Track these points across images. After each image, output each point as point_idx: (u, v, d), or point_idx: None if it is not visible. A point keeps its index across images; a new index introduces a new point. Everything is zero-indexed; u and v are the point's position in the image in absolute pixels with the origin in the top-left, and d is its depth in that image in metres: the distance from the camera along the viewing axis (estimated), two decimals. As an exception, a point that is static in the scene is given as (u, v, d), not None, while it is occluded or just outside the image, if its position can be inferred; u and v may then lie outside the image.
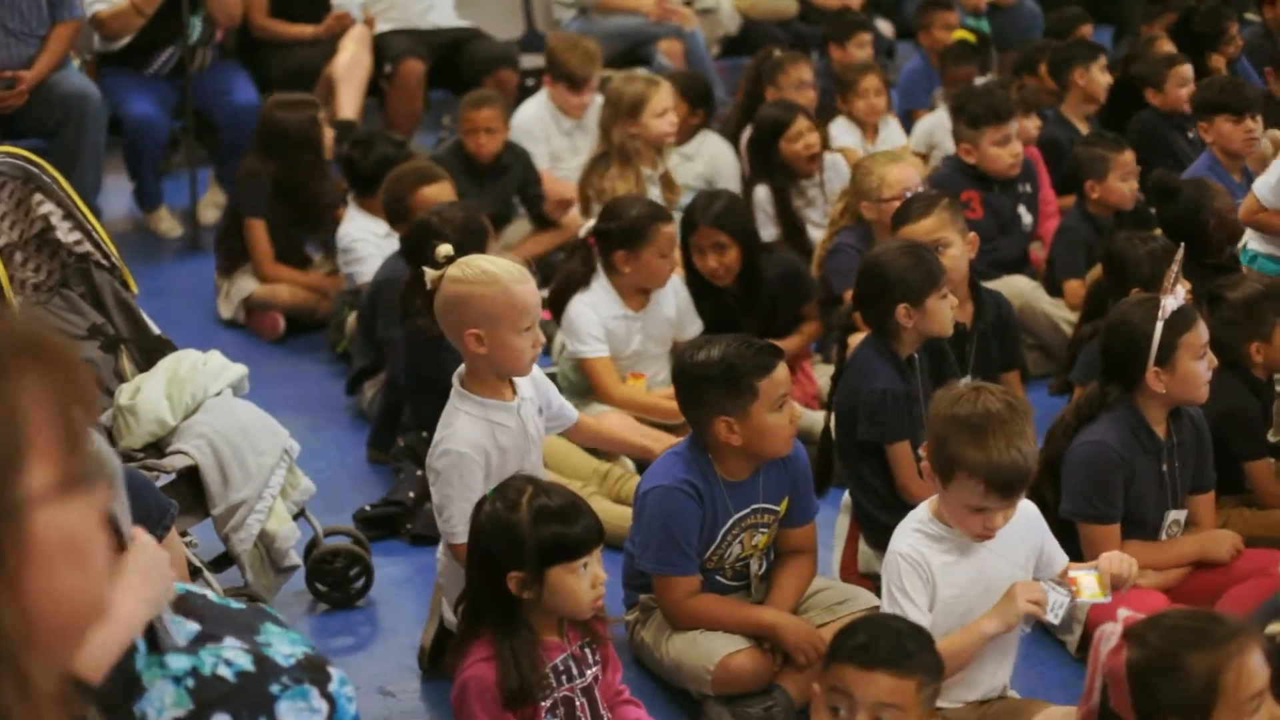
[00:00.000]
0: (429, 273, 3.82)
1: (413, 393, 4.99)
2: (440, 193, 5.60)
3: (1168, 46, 7.37)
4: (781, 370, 3.85)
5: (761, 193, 6.34)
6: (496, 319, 3.75)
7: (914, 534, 3.56)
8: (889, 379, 4.34)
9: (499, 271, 3.80)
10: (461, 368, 3.88)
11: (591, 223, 5.32)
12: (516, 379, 3.90)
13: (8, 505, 1.46)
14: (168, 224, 7.67)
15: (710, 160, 7.04)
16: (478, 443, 3.77)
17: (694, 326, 5.44)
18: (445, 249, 3.82)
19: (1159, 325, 4.05)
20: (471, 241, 4.63)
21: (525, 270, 3.87)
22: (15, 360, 1.47)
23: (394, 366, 5.24)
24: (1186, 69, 7.02)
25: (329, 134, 6.49)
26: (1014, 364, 5.10)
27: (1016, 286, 5.89)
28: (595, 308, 5.21)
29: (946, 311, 4.42)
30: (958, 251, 4.87)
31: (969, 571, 3.54)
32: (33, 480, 1.47)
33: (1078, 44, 7.50)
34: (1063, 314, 5.90)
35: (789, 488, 3.97)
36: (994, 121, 6.14)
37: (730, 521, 3.91)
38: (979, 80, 7.28)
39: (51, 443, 1.49)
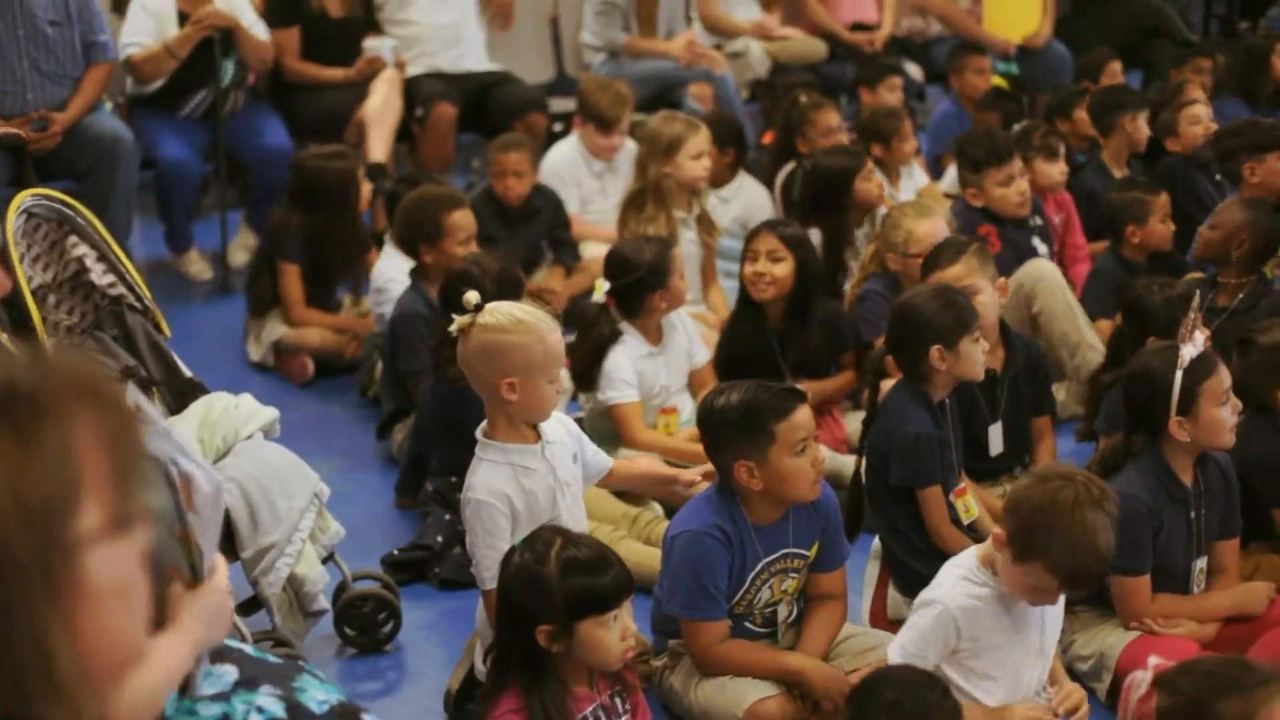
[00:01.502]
0: (458, 319, 3.82)
1: (441, 438, 5.00)
2: (464, 219, 5.63)
3: (1196, 93, 7.36)
4: (802, 414, 3.84)
5: (814, 237, 6.34)
6: (531, 368, 3.76)
7: (961, 583, 3.57)
8: (922, 422, 4.33)
9: (533, 321, 3.81)
10: (484, 422, 3.89)
11: (605, 284, 5.31)
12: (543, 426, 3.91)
13: (64, 544, 1.47)
14: (198, 266, 7.69)
15: (746, 203, 7.06)
16: (499, 489, 3.77)
17: (701, 355, 5.50)
18: (473, 296, 3.82)
19: (1179, 374, 4.03)
20: (506, 292, 4.64)
21: (553, 319, 3.88)
22: (66, 401, 1.50)
23: (422, 408, 5.24)
24: (1196, 109, 7.01)
25: (365, 187, 6.51)
26: (1045, 409, 5.10)
27: (1038, 266, 5.94)
28: (626, 353, 5.24)
29: (978, 355, 4.42)
30: (988, 298, 4.87)
31: (1007, 621, 3.56)
32: (86, 520, 1.48)
33: (1124, 90, 7.43)
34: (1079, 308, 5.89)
35: (819, 532, 3.96)
36: (995, 163, 6.15)
37: (759, 566, 3.90)
38: (1016, 126, 7.26)
39: (102, 483, 1.51)
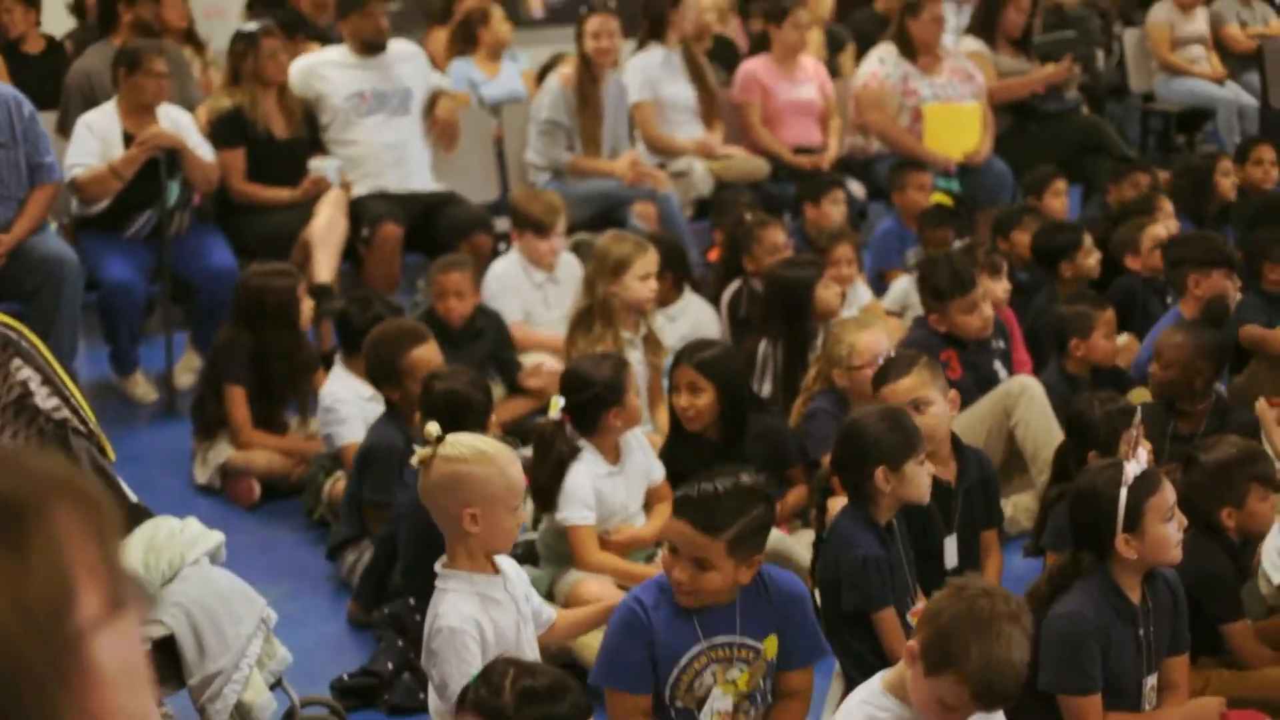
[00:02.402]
0: (419, 451, 3.82)
1: (414, 561, 4.91)
2: (429, 354, 5.62)
3: (1166, 210, 7.45)
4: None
5: (764, 348, 6.35)
6: (493, 499, 3.76)
7: (862, 706, 3.55)
8: (869, 545, 4.32)
9: (493, 451, 3.82)
10: (443, 556, 3.87)
11: (560, 401, 5.30)
12: (498, 557, 3.90)
13: (71, 640, 1.49)
14: (143, 389, 7.66)
15: (693, 321, 7.09)
16: (469, 615, 3.74)
17: (657, 471, 5.48)
18: (434, 428, 3.82)
19: (1123, 491, 4.05)
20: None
21: (513, 450, 3.90)
22: (45, 498, 1.53)
23: (387, 530, 5.20)
24: (1158, 229, 7.10)
25: (308, 305, 6.51)
26: (992, 522, 5.11)
27: (1023, 381, 6.00)
28: (585, 472, 5.23)
29: (924, 478, 4.42)
30: (939, 409, 4.90)
31: None
32: (86, 609, 1.50)
33: (1060, 230, 7.37)
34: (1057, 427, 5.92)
35: (774, 626, 3.93)
36: (959, 292, 6.17)
37: (696, 649, 3.88)
38: (957, 243, 7.33)
39: (93, 570, 1.53)
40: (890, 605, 4.29)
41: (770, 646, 3.94)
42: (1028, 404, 5.83)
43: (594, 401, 5.23)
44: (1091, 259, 7.02)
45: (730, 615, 3.90)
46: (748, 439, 5.53)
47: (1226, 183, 8.30)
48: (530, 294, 7.32)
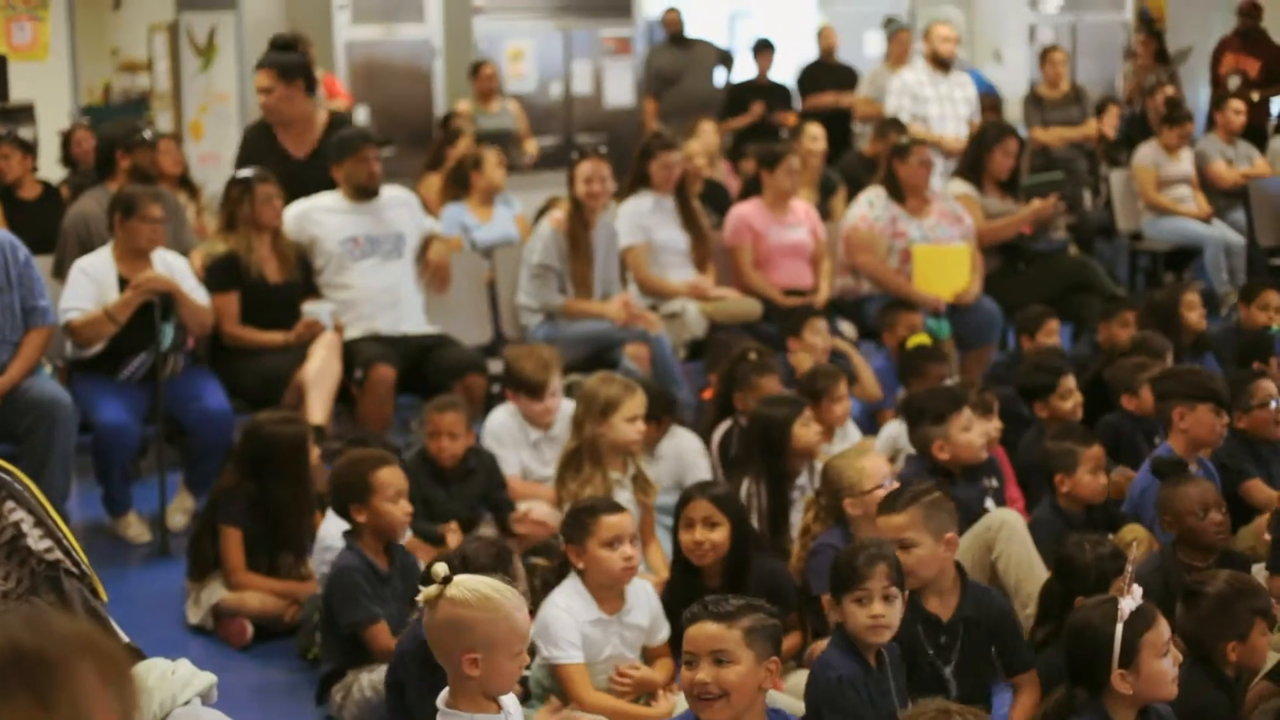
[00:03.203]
0: (425, 590, 3.83)
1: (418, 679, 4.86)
2: (391, 476, 5.63)
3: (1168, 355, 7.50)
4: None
5: (747, 486, 6.35)
6: (496, 644, 3.79)
7: None
8: (844, 666, 4.39)
9: (499, 597, 3.83)
10: (444, 692, 3.86)
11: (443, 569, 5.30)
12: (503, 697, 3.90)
13: None
14: (136, 529, 7.66)
15: (678, 456, 7.08)
16: None
17: (663, 631, 5.43)
18: (442, 568, 3.83)
19: (1119, 626, 4.05)
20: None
21: (520, 596, 3.92)
22: (69, 656, 1.62)
23: (401, 646, 5.15)
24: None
25: (314, 452, 6.54)
26: (1019, 665, 5.07)
27: (1003, 514, 5.99)
28: (570, 611, 5.20)
29: (891, 612, 4.47)
30: (924, 553, 4.91)
31: None
32: None
33: (1046, 370, 7.31)
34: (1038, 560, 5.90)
35: None
36: (954, 410, 6.24)
37: None
38: (948, 382, 7.36)
39: None
40: None
41: None
42: (1008, 538, 5.84)
43: (563, 532, 5.30)
44: (1068, 402, 6.99)
45: None
46: (750, 579, 5.52)
47: (1193, 315, 8.30)
48: (526, 453, 7.30)
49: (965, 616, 4.97)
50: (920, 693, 4.58)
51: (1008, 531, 5.85)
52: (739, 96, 14.73)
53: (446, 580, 3.82)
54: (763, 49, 15.15)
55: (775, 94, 14.87)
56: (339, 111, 9.62)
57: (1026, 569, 5.76)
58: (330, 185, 8.29)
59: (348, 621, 5.46)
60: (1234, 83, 14.04)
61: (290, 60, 8.57)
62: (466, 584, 3.84)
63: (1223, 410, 6.24)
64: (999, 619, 5.06)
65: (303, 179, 8.26)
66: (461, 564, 4.96)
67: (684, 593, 5.43)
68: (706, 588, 5.46)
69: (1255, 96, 13.61)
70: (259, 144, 8.62)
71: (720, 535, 5.49)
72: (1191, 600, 4.60)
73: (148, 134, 8.78)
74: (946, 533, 5.02)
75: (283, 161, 8.42)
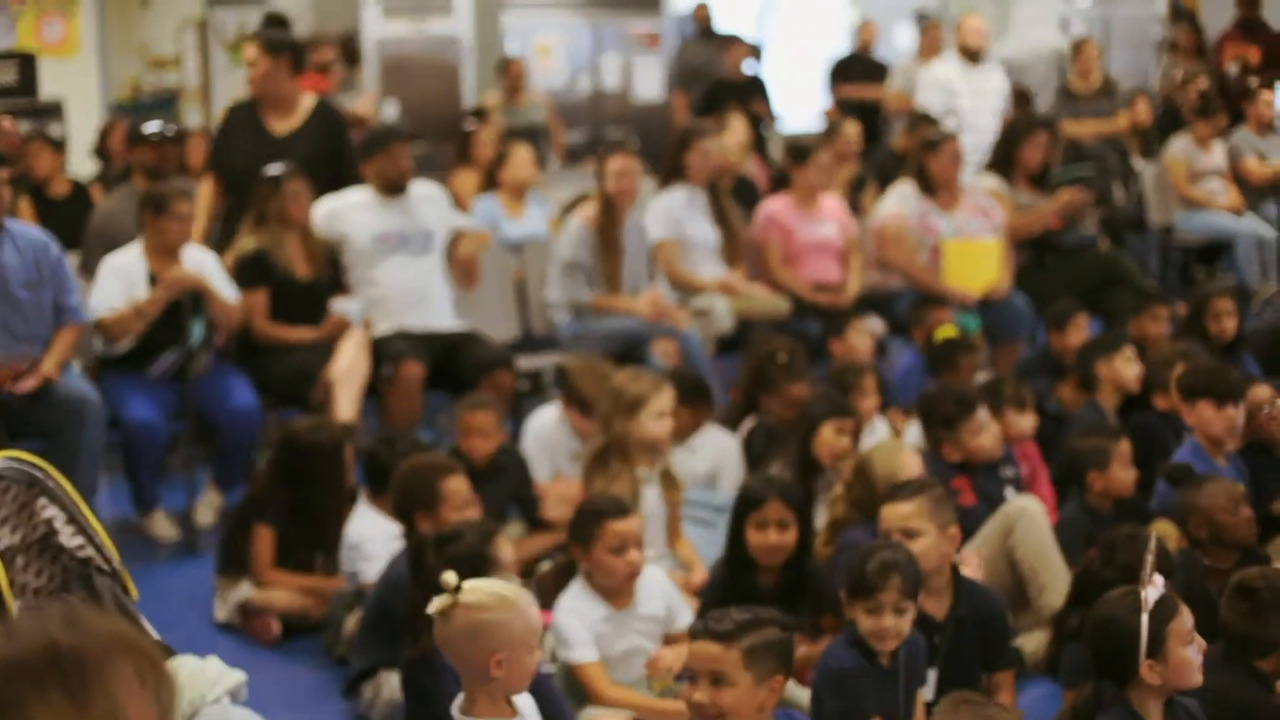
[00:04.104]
0: (437, 601, 3.82)
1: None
2: (458, 485, 5.62)
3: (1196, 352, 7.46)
4: None
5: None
6: (515, 642, 3.79)
7: None
8: (845, 659, 4.45)
9: (513, 596, 3.85)
10: (460, 698, 3.86)
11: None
12: (516, 697, 3.90)
13: None
14: (163, 527, 7.67)
15: (714, 455, 7.07)
16: None
17: (683, 617, 5.40)
18: (451, 576, 3.83)
19: (1144, 617, 4.03)
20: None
21: (527, 592, 3.96)
22: (107, 656, 1.62)
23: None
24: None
25: (350, 459, 6.55)
26: (1002, 663, 5.07)
27: (1023, 500, 5.98)
28: (578, 613, 5.21)
29: (901, 623, 4.51)
30: (928, 543, 4.91)
31: None
32: None
33: (1096, 345, 7.44)
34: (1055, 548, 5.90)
35: None
36: (966, 415, 6.22)
37: None
38: (980, 376, 7.35)
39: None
40: (872, 715, 4.37)
41: None
42: (1027, 524, 5.83)
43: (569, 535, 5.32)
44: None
45: None
46: (809, 582, 5.51)
47: (1218, 326, 8.17)
48: (562, 460, 7.28)
49: (959, 615, 4.97)
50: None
51: (1027, 519, 5.85)
52: (714, 93, 14.14)
53: (457, 588, 3.82)
54: (732, 44, 14.85)
55: (750, 89, 14.52)
56: (325, 98, 9.54)
57: (1043, 557, 5.77)
58: (313, 166, 8.26)
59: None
60: (1234, 69, 14.01)
61: (278, 36, 8.57)
62: (479, 588, 3.85)
63: (1225, 403, 6.20)
64: (990, 617, 5.05)
65: (280, 158, 8.22)
66: (446, 540, 4.99)
67: (738, 592, 5.38)
68: (760, 586, 5.46)
69: (1254, 82, 13.58)
70: (239, 119, 8.62)
71: (791, 536, 5.49)
72: (1243, 596, 4.55)
73: (152, 129, 8.75)
74: (950, 526, 5.01)
75: (260, 138, 8.42)
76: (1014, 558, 5.81)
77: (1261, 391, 6.46)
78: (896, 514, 4.96)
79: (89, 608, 2.84)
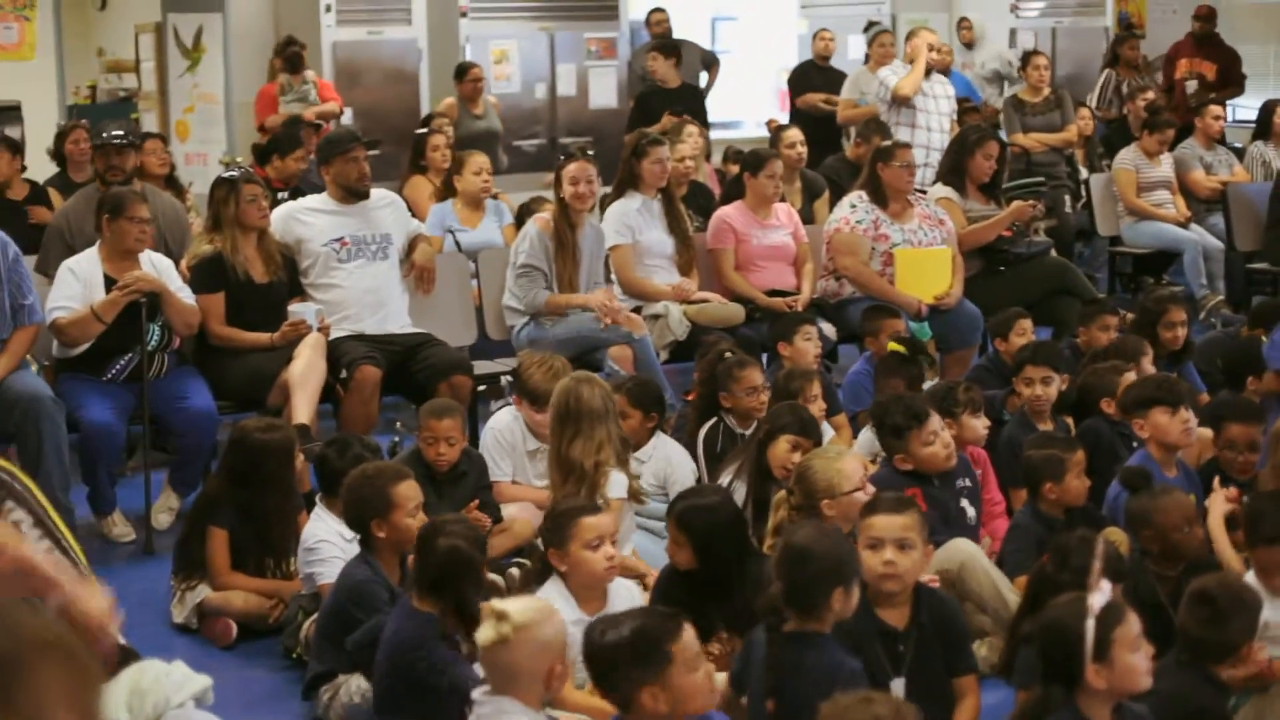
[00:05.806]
0: (487, 631, 3.91)
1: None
2: (410, 490, 5.65)
3: (1146, 359, 7.54)
4: (689, 632, 3.98)
5: (741, 490, 6.38)
6: (565, 648, 3.93)
7: None
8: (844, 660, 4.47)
9: (546, 605, 4.05)
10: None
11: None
12: None
13: None
14: (120, 529, 7.68)
15: (664, 462, 7.09)
16: None
17: None
18: (492, 606, 3.93)
19: (1090, 622, 4.09)
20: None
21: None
22: (35, 657, 1.56)
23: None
24: (1131, 375, 7.16)
25: (301, 459, 6.57)
26: (962, 668, 5.10)
27: (957, 549, 5.97)
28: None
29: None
30: (917, 557, 4.94)
31: None
32: None
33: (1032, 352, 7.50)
34: (1003, 581, 5.94)
35: None
36: (916, 425, 6.24)
37: None
38: (928, 384, 7.40)
39: None
40: None
41: None
42: (968, 577, 5.88)
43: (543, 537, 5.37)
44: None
45: None
46: (748, 584, 5.51)
47: (1170, 334, 8.23)
48: (521, 459, 7.28)
49: (919, 623, 5.00)
50: None
51: (967, 572, 5.88)
52: (647, 103, 13.84)
53: (500, 616, 3.90)
54: (667, 52, 14.66)
55: (684, 96, 14.07)
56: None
57: (996, 597, 5.84)
58: None
59: (371, 637, 5.40)
60: (1192, 86, 14.14)
61: None
62: (521, 608, 3.96)
63: (1176, 409, 6.30)
64: (949, 622, 5.08)
65: None
66: (439, 531, 5.05)
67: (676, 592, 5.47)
68: (695, 586, 5.50)
69: (1212, 98, 13.74)
70: None
71: (683, 557, 5.49)
72: (1203, 602, 4.62)
73: (105, 135, 8.70)
74: (927, 544, 5.08)
75: None
76: (967, 606, 5.84)
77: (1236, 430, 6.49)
78: (894, 525, 4.93)
79: (23, 608, 2.83)
